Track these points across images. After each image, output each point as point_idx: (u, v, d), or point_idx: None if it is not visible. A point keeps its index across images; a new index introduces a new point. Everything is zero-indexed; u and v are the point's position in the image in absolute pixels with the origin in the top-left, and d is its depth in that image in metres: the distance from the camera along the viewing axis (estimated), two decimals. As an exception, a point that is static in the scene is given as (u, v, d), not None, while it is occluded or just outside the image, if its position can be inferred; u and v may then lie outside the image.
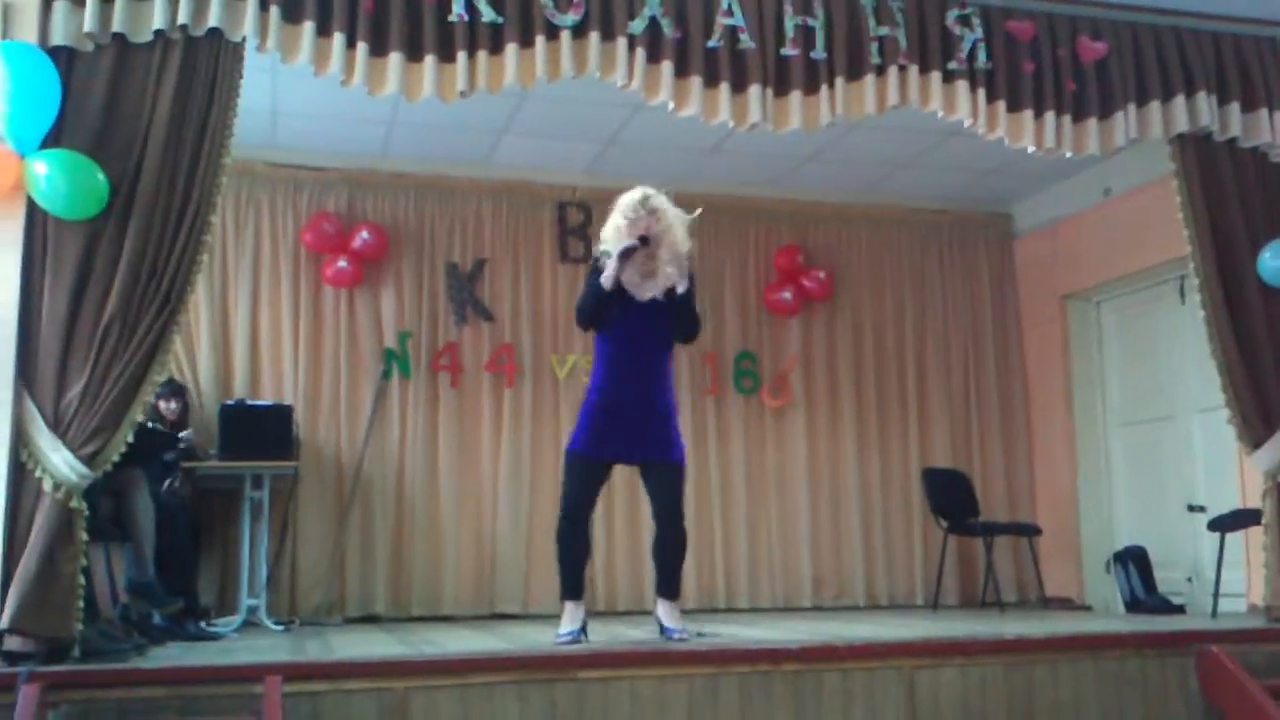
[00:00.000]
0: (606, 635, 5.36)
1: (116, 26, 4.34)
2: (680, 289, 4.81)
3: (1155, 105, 5.56)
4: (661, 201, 4.84)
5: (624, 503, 7.51)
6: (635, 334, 4.82)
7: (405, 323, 7.44)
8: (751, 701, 4.25)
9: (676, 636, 4.75)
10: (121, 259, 4.24)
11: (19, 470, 4.12)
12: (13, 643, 3.97)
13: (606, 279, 4.74)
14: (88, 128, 4.30)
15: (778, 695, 4.28)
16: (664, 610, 4.89)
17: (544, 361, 7.64)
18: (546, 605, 7.25)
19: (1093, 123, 5.52)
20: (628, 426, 4.77)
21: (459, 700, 4.02)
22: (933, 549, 7.84)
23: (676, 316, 4.85)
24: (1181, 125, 5.57)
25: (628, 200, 4.84)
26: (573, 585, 4.86)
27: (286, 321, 7.24)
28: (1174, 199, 5.70)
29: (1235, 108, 5.67)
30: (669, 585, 4.91)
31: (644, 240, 4.74)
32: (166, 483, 6.02)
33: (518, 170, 7.64)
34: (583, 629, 4.80)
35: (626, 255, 4.73)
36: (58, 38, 4.30)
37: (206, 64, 4.48)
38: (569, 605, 4.85)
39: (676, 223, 4.85)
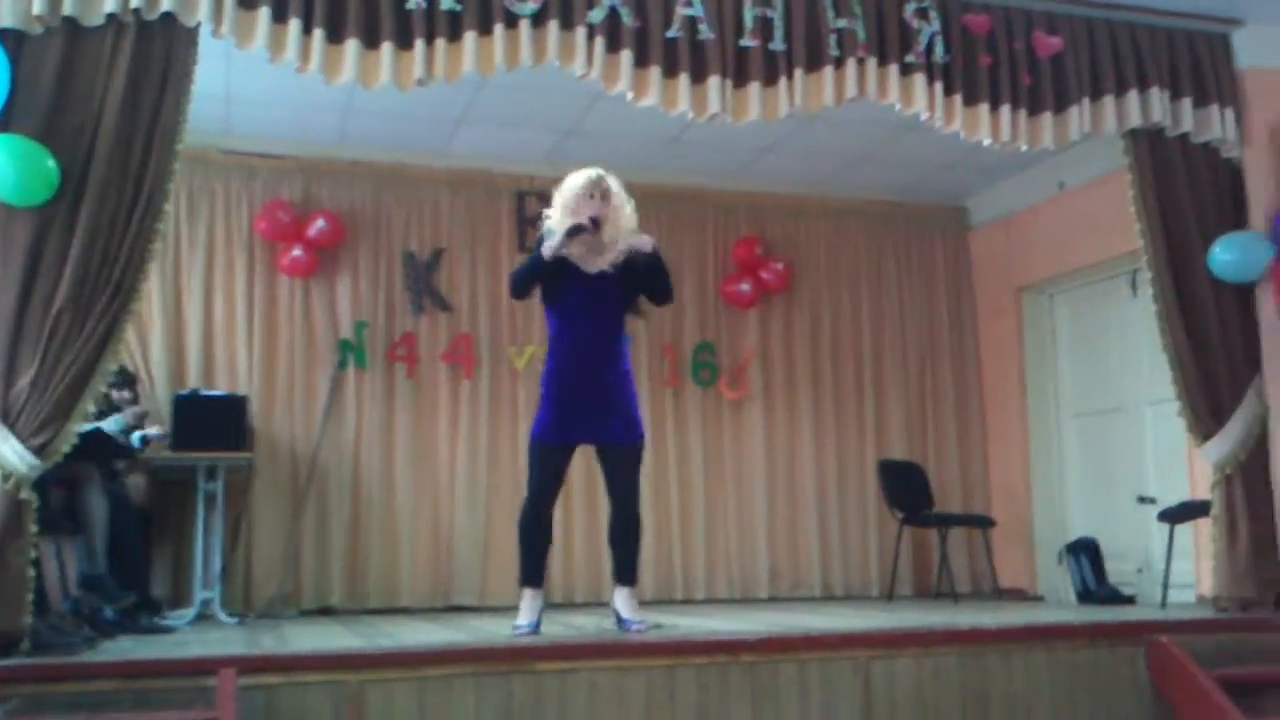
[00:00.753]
0: (563, 627, 5.35)
1: (67, 10, 4.27)
2: (647, 249, 4.78)
3: (1109, 100, 5.63)
4: (613, 183, 4.83)
5: (582, 492, 7.52)
6: (585, 309, 4.80)
7: (361, 313, 7.37)
8: (709, 693, 4.26)
9: (634, 629, 4.75)
10: (72, 246, 4.18)
11: (-34, 461, 4.06)
12: (-40, 636, 3.91)
13: (547, 249, 4.71)
14: (37, 112, 4.23)
15: (735, 686, 4.29)
16: (622, 599, 4.88)
17: (502, 352, 7.61)
18: (503, 597, 7.23)
19: (1048, 116, 5.58)
20: (586, 405, 4.76)
21: (415, 693, 4.00)
22: (888, 540, 7.90)
23: (647, 276, 4.83)
24: (1134, 120, 5.63)
25: (581, 180, 4.80)
26: (533, 573, 4.86)
27: (241, 311, 7.16)
28: (1127, 193, 5.77)
29: (1187, 103, 5.74)
30: (626, 571, 4.89)
31: (594, 223, 4.72)
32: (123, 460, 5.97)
33: (476, 159, 7.60)
34: (539, 621, 4.80)
35: (573, 234, 4.70)
36: (6, 20, 4.23)
37: (160, 49, 4.41)
38: (528, 593, 4.85)
39: (625, 205, 4.85)
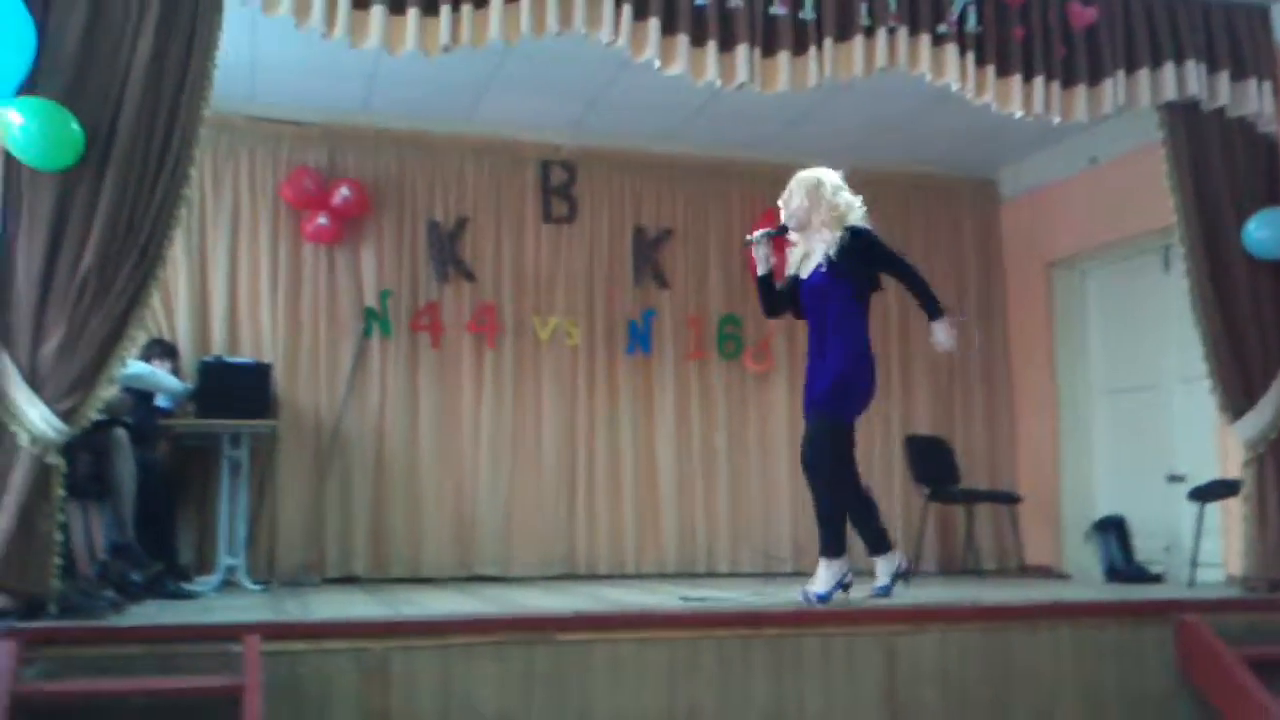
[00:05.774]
0: (591, 600, 5.36)
1: (93, -27, 4.24)
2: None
3: (1144, 73, 5.53)
4: (793, 183, 5.05)
5: (604, 465, 7.54)
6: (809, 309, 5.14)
7: (386, 281, 7.35)
8: (731, 666, 4.25)
9: (804, 598, 4.78)
10: (98, 210, 4.17)
11: (-6, 426, 4.07)
12: (-11, 599, 3.94)
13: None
14: (62, 76, 4.21)
15: (757, 660, 4.28)
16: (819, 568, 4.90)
17: (526, 322, 7.59)
18: (526, 567, 7.27)
19: (1082, 89, 5.49)
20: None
21: (438, 661, 4.01)
22: (913, 516, 7.86)
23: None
24: (1170, 93, 5.53)
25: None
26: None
27: (265, 278, 7.16)
28: (1160, 167, 5.69)
29: (1224, 77, 5.63)
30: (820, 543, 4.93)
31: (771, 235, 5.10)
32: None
33: (501, 127, 7.55)
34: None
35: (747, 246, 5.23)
36: (32, -17, 4.20)
37: (185, 13, 4.38)
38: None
39: (802, 200, 5.02)
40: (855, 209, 5.00)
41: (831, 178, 5.02)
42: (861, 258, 4.96)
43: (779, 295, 5.21)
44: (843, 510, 4.92)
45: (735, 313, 8.01)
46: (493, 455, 7.40)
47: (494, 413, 7.44)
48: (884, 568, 5.06)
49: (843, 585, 4.86)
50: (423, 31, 4.65)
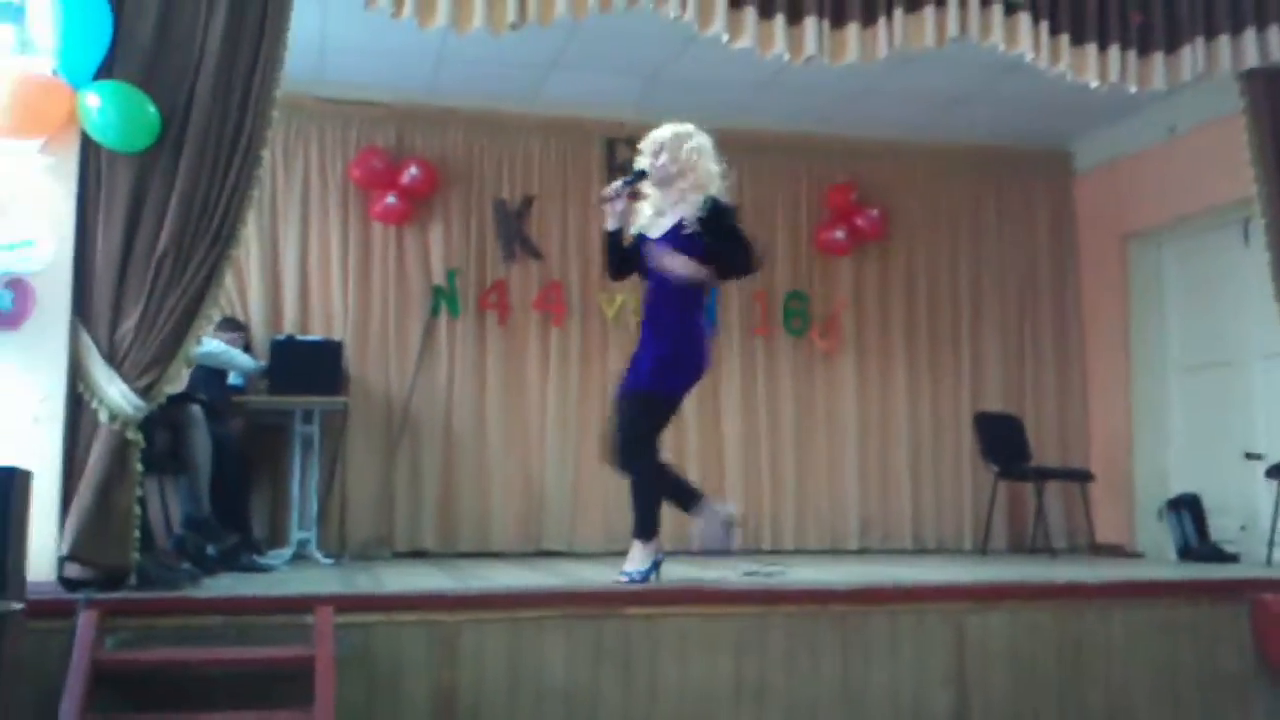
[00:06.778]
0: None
1: (166, -43, 4.31)
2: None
3: (1224, 39, 5.39)
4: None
5: (670, 442, 7.53)
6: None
7: (454, 260, 7.41)
8: (798, 642, 4.25)
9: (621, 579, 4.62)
10: (174, 192, 4.25)
11: (76, 402, 4.18)
12: (71, 570, 4.05)
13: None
14: (138, 60, 4.28)
15: (825, 636, 4.28)
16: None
17: (593, 300, 7.61)
18: (593, 543, 7.30)
19: (1159, 57, 5.37)
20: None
21: (508, 634, 4.06)
22: (982, 493, 7.77)
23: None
24: (1251, 60, 5.39)
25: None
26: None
27: (336, 257, 7.24)
28: (1241, 137, 5.55)
29: (1307, 42, 5.48)
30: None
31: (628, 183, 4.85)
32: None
33: (567, 106, 7.55)
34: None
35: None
36: (108, -32, 4.27)
37: (257, -4, 4.44)
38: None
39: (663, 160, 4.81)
40: (718, 178, 4.80)
41: (706, 140, 4.84)
42: (712, 229, 4.67)
43: (627, 255, 4.89)
44: (656, 488, 4.75)
45: (801, 289, 7.96)
46: (560, 432, 7.43)
47: (560, 390, 7.48)
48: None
49: (657, 565, 4.71)
50: (490, 9, 4.66)
